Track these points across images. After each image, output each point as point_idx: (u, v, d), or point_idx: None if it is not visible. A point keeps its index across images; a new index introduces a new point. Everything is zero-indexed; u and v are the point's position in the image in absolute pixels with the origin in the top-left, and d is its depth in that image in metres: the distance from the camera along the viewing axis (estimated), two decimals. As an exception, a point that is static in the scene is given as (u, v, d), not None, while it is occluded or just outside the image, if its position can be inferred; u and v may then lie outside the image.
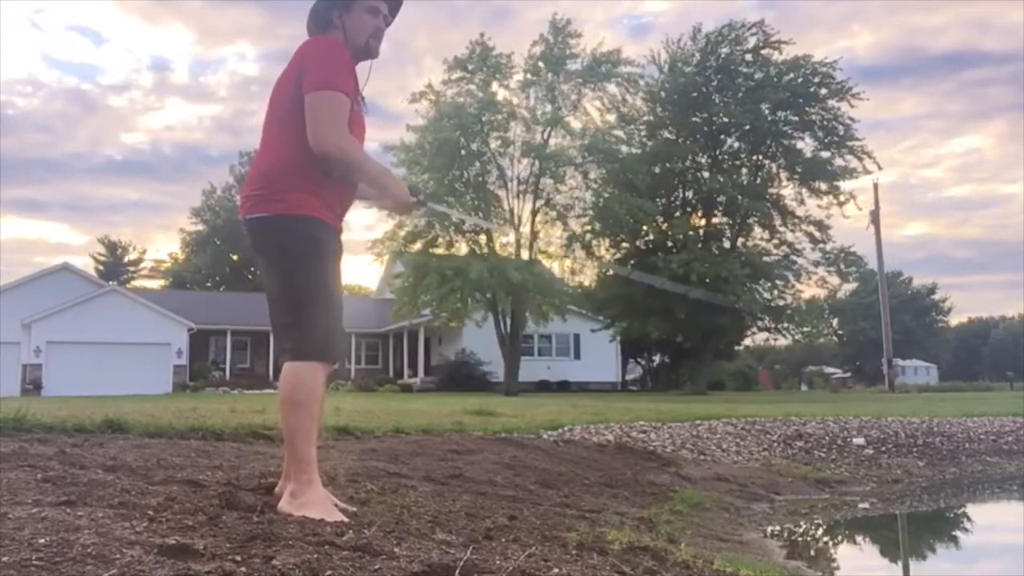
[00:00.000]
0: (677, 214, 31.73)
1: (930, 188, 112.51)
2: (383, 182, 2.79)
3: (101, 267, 57.22)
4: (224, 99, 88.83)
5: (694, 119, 30.90)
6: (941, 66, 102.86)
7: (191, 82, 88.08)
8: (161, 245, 66.88)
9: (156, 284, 56.62)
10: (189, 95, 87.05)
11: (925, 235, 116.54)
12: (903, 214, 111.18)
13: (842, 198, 30.02)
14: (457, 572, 2.12)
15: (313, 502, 2.63)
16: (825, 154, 30.31)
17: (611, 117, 29.75)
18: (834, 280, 32.31)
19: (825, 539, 5.41)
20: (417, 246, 28.32)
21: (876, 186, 34.78)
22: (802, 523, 5.96)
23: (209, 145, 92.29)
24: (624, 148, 30.03)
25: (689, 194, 32.52)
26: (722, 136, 31.88)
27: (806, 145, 30.87)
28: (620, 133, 30.32)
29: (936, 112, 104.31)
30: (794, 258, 30.93)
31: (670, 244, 30.03)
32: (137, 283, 54.14)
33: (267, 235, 2.70)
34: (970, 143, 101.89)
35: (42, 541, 1.95)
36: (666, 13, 76.46)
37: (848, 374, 59.49)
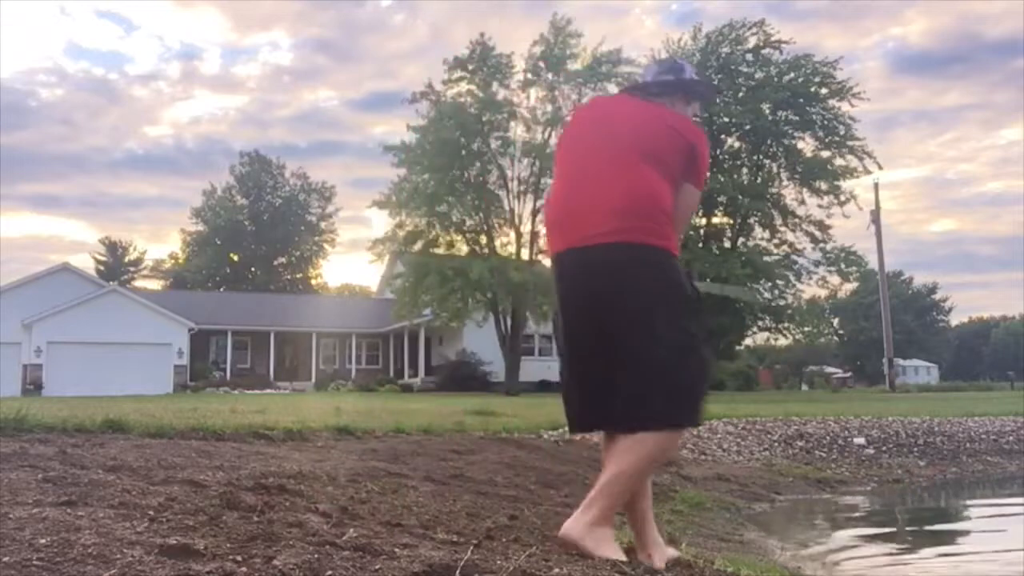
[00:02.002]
0: (677, 214, 31.76)
1: (965, 183, 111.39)
2: None
3: (101, 267, 57.24)
4: (252, 90, 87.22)
5: (694, 119, 30.90)
6: (993, 54, 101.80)
7: (221, 72, 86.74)
8: (178, 242, 68.09)
9: (156, 284, 56.70)
10: (216, 86, 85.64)
11: (952, 232, 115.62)
12: (934, 210, 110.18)
13: (843, 198, 30.03)
14: (458, 572, 2.12)
15: (609, 539, 2.48)
16: (825, 154, 30.32)
17: (612, 117, 29.75)
18: (835, 280, 32.34)
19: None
20: (418, 246, 28.33)
21: (876, 186, 34.79)
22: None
23: (233, 138, 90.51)
24: (624, 148, 30.01)
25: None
26: (723, 136, 31.87)
27: (807, 145, 30.89)
28: (620, 133, 30.33)
29: (982, 103, 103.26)
30: (795, 258, 30.94)
31: (670, 244, 30.05)
32: (137, 283, 54.21)
33: (647, 268, 2.46)
34: (1013, 136, 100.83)
35: (43, 541, 1.95)
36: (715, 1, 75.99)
37: (849, 374, 59.47)
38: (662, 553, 2.66)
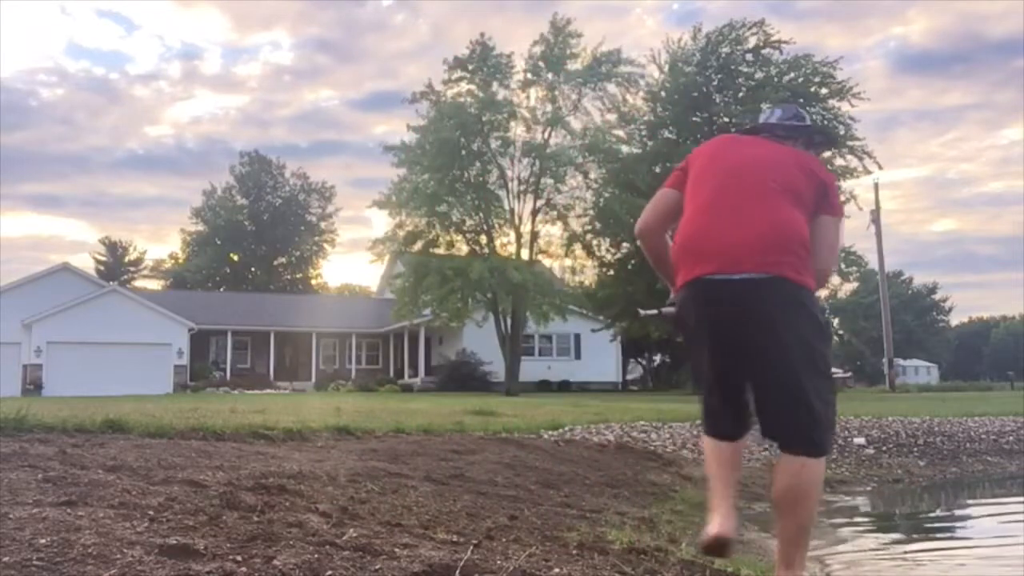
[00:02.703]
0: (678, 214, 31.75)
1: (965, 183, 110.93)
2: None
3: (101, 267, 57.23)
4: (253, 90, 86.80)
5: (695, 119, 30.87)
6: (995, 54, 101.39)
7: (221, 72, 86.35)
8: (178, 242, 67.15)
9: (156, 284, 56.67)
10: (217, 85, 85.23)
11: (952, 232, 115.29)
12: (934, 210, 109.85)
13: (843, 198, 30.01)
14: (458, 572, 2.12)
15: None
16: (826, 154, 30.30)
17: (611, 117, 29.75)
18: (835, 280, 32.30)
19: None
20: (417, 246, 28.32)
21: (876, 186, 34.77)
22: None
23: (234, 138, 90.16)
24: (624, 148, 30.00)
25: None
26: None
27: (807, 145, 30.89)
28: (620, 133, 30.30)
29: (983, 102, 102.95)
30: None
31: (671, 244, 30.05)
32: (137, 283, 54.20)
33: (801, 305, 2.59)
34: (1014, 135, 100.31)
35: (43, 541, 1.95)
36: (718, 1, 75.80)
37: (849, 374, 59.43)
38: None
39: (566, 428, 8.97)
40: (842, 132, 29.88)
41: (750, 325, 2.57)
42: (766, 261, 2.55)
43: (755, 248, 2.56)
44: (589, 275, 32.93)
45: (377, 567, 2.07)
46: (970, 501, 7.90)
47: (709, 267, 2.61)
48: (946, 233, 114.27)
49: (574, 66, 27.87)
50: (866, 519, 6.59)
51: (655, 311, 3.08)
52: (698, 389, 2.87)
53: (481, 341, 29.50)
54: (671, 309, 2.93)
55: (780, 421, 2.57)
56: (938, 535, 5.87)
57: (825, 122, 29.93)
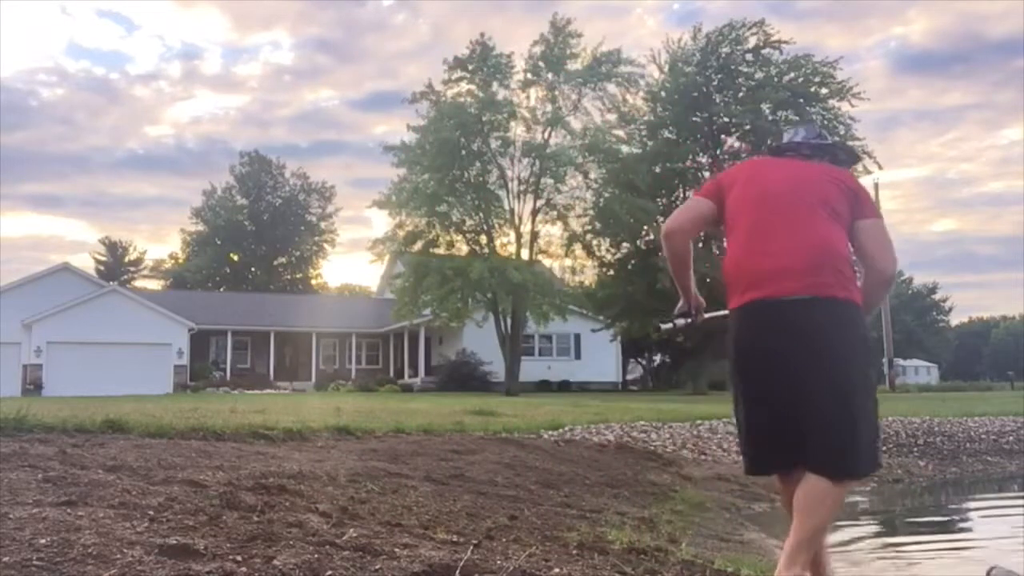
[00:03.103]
0: (678, 214, 31.74)
1: (966, 183, 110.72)
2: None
3: (101, 267, 57.22)
4: (253, 90, 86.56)
5: (694, 119, 30.88)
6: (994, 54, 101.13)
7: (222, 72, 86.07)
8: (178, 242, 66.50)
9: (156, 284, 56.65)
10: (217, 85, 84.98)
11: (953, 232, 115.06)
12: (935, 209, 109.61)
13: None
14: (458, 572, 2.12)
15: None
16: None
17: (611, 117, 29.75)
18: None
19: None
20: (418, 246, 28.31)
21: (876, 186, 34.69)
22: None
23: (234, 138, 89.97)
24: (624, 148, 29.98)
25: (690, 194, 32.50)
26: (723, 136, 31.85)
27: (806, 145, 30.89)
28: (620, 133, 30.30)
29: (983, 102, 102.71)
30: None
31: (671, 244, 30.02)
32: (137, 283, 54.18)
33: (846, 325, 2.62)
34: (1014, 135, 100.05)
35: (43, 541, 1.95)
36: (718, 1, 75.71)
37: None
38: None
39: (566, 428, 8.97)
40: (842, 132, 29.91)
41: (803, 346, 2.59)
42: (815, 282, 2.60)
43: (801, 270, 2.62)
44: (589, 275, 32.95)
45: (377, 567, 2.07)
46: (970, 501, 7.90)
47: (758, 291, 2.66)
48: (946, 233, 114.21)
49: (574, 66, 27.86)
50: (865, 518, 6.59)
51: (672, 324, 3.14)
52: (736, 411, 2.86)
53: (481, 341, 29.49)
54: (684, 321, 3.06)
55: (818, 440, 2.56)
56: (937, 534, 5.87)
57: (825, 122, 29.95)
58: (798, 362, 2.59)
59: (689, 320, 3.10)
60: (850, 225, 2.74)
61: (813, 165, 2.94)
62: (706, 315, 3.15)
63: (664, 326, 3.24)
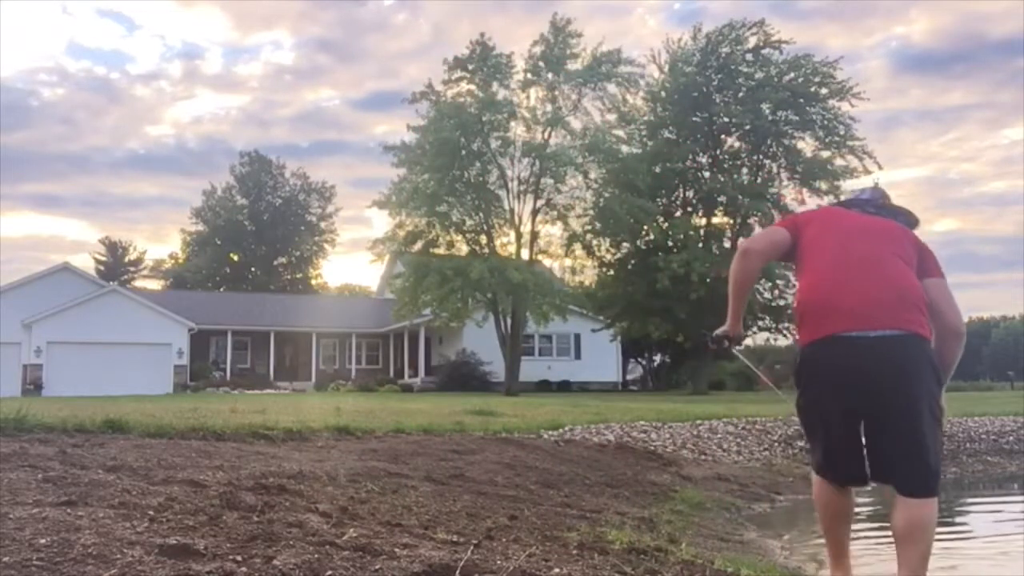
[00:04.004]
0: (678, 214, 31.69)
1: (967, 183, 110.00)
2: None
3: (101, 267, 57.22)
4: (254, 90, 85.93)
5: (694, 119, 30.87)
6: (996, 54, 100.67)
7: (222, 71, 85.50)
8: (178, 242, 66.50)
9: (156, 284, 56.62)
10: (218, 85, 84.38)
11: (954, 232, 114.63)
12: (936, 209, 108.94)
13: (843, 198, 29.97)
14: (458, 572, 2.12)
15: None
16: (825, 154, 30.29)
17: (611, 117, 29.74)
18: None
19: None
20: (418, 246, 28.31)
21: (876, 186, 34.72)
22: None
23: (234, 138, 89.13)
24: (624, 148, 29.96)
25: (690, 194, 32.49)
26: (722, 136, 31.83)
27: (807, 145, 30.83)
28: (620, 133, 30.27)
29: (985, 102, 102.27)
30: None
31: (671, 244, 29.99)
32: (137, 283, 54.14)
33: (929, 359, 2.86)
34: (1015, 135, 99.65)
35: (43, 541, 1.95)
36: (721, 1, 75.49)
37: None
38: None
39: (566, 428, 8.97)
40: (842, 132, 29.91)
41: (886, 379, 2.78)
42: (899, 319, 2.78)
43: (888, 307, 2.80)
44: (589, 275, 32.94)
45: (377, 567, 2.07)
46: (969, 500, 7.90)
47: (845, 325, 2.81)
48: (947, 233, 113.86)
49: (574, 66, 27.85)
50: (865, 517, 6.59)
51: (712, 339, 3.34)
52: (813, 438, 3.07)
53: (481, 341, 29.50)
54: (720, 344, 3.31)
55: (900, 468, 2.80)
56: (940, 534, 5.86)
57: (825, 122, 29.96)
58: (880, 393, 2.79)
59: (725, 345, 3.32)
60: (920, 280, 2.95)
61: (890, 222, 3.13)
62: (737, 349, 3.42)
63: (710, 342, 3.43)
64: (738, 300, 3.20)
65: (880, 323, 2.76)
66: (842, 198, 3.54)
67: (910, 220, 3.27)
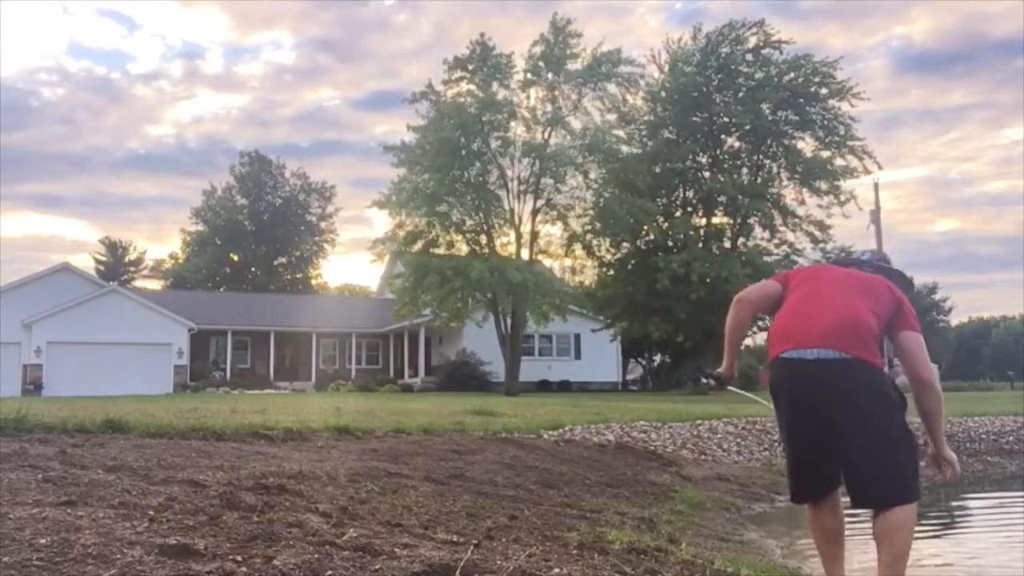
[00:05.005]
0: (678, 214, 31.70)
1: (967, 183, 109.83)
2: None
3: (101, 267, 57.22)
4: (254, 89, 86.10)
5: (694, 119, 30.87)
6: (997, 53, 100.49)
7: (223, 71, 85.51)
8: (178, 242, 66.24)
9: (156, 284, 56.61)
10: (218, 85, 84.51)
11: (954, 231, 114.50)
12: (936, 209, 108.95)
13: (843, 198, 29.99)
14: (458, 572, 2.12)
15: None
16: (825, 154, 30.29)
17: (611, 117, 29.74)
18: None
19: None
20: (417, 246, 28.30)
21: (876, 186, 34.66)
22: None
23: (235, 138, 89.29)
24: (624, 148, 29.98)
25: (690, 194, 32.50)
26: (722, 136, 31.83)
27: (806, 145, 30.84)
28: (620, 133, 30.28)
29: (986, 102, 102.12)
30: (795, 258, 30.89)
31: (671, 244, 30.01)
32: (137, 283, 54.13)
33: (871, 383, 3.03)
34: (1015, 135, 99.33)
35: (43, 541, 1.95)
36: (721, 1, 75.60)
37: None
38: None
39: (566, 428, 8.97)
40: (842, 132, 29.91)
41: (825, 399, 2.99)
42: (840, 344, 2.98)
43: (831, 333, 3.01)
44: (589, 275, 32.94)
45: (377, 567, 2.07)
46: (968, 500, 7.90)
47: (789, 345, 3.08)
48: (948, 233, 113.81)
49: (574, 66, 27.85)
50: (864, 516, 6.59)
51: (707, 379, 3.60)
52: (785, 453, 3.33)
53: (481, 341, 29.50)
54: (714, 382, 3.51)
55: (850, 484, 3.04)
56: (934, 533, 5.87)
57: (825, 122, 29.97)
58: (824, 413, 3.00)
59: (719, 384, 3.51)
60: (890, 331, 3.17)
61: (874, 276, 3.36)
62: (731, 386, 3.54)
63: (703, 379, 3.66)
64: (732, 345, 3.43)
65: (820, 344, 2.99)
66: (853, 254, 3.81)
67: (903, 283, 3.45)
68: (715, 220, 31.89)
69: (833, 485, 3.17)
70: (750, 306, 3.46)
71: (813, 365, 2.99)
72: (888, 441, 2.96)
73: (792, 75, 29.70)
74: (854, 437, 2.94)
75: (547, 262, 30.89)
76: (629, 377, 42.43)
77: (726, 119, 30.31)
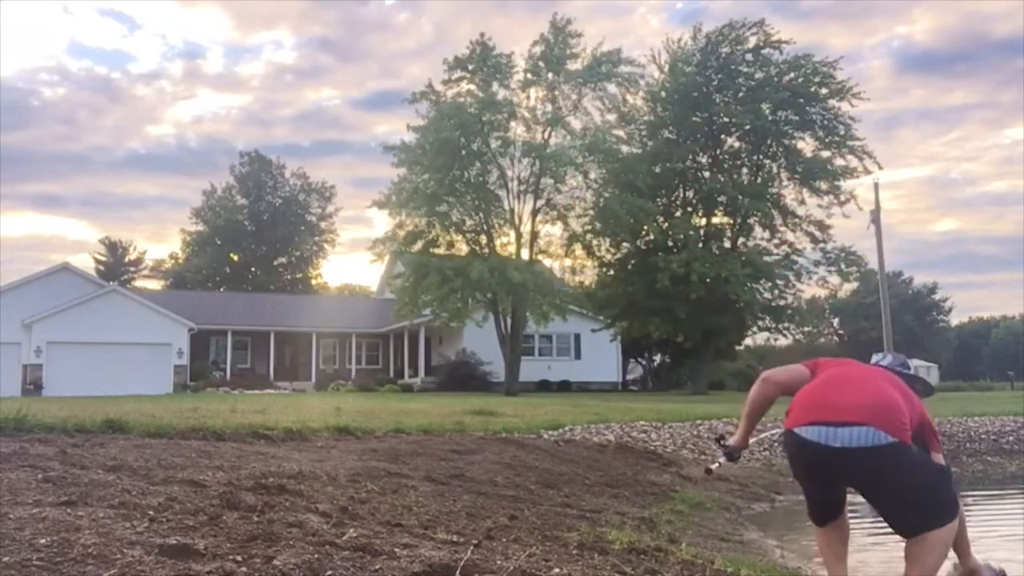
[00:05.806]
0: (678, 214, 31.68)
1: (968, 183, 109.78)
2: None
3: (101, 267, 57.21)
4: (255, 89, 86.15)
5: (694, 119, 30.85)
6: (998, 53, 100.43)
7: (224, 71, 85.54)
8: (178, 242, 66.64)
9: (156, 284, 56.60)
10: (219, 85, 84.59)
11: (954, 231, 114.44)
12: (937, 209, 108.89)
13: (843, 198, 29.99)
14: (458, 572, 2.12)
15: None
16: (825, 154, 30.27)
17: (611, 117, 29.73)
18: (835, 280, 32.26)
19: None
20: (418, 246, 28.30)
21: (876, 186, 34.64)
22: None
23: (235, 137, 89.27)
24: (624, 148, 29.96)
25: (690, 194, 32.48)
26: (722, 136, 31.81)
27: (806, 145, 30.82)
28: (620, 133, 30.27)
29: (987, 102, 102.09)
30: (795, 258, 30.90)
31: (671, 244, 30.00)
32: (137, 283, 54.11)
33: (903, 455, 3.08)
34: (1016, 135, 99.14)
35: (43, 541, 1.95)
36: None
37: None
38: None
39: (566, 428, 8.97)
40: (842, 132, 29.89)
41: (859, 480, 3.13)
42: (867, 417, 3.01)
43: (863, 406, 3.05)
44: (589, 275, 32.94)
45: (377, 567, 2.07)
46: (968, 500, 7.89)
47: (811, 417, 3.10)
48: (948, 233, 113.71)
49: (574, 66, 27.84)
50: (864, 516, 6.58)
51: (718, 464, 3.71)
52: (805, 494, 3.48)
53: (481, 341, 29.49)
54: (727, 460, 3.60)
55: (903, 526, 3.13)
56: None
57: (825, 122, 29.97)
58: (864, 484, 3.18)
59: (729, 458, 3.60)
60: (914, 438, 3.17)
61: (897, 379, 3.38)
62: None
63: (713, 467, 3.82)
64: (750, 419, 3.50)
65: (851, 418, 3.02)
66: (873, 358, 3.82)
67: (925, 388, 3.55)
68: (715, 220, 31.88)
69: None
70: (777, 388, 3.46)
71: (841, 454, 3.00)
72: (925, 487, 3.05)
73: (792, 75, 29.69)
74: (891, 497, 3.06)
75: (547, 262, 30.90)
76: (629, 377, 42.44)
77: (726, 119, 30.30)
